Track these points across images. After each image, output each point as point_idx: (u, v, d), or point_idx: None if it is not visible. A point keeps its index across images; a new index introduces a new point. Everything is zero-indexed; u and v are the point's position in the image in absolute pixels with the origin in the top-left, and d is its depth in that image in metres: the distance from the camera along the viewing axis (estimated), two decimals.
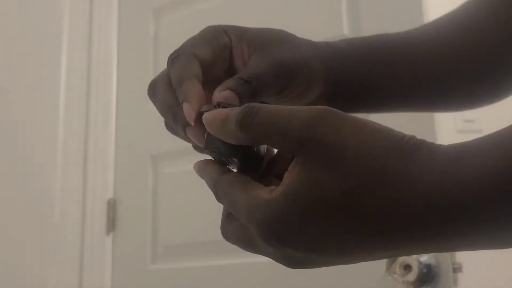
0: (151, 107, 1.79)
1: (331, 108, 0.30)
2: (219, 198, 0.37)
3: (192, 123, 0.37)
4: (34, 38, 1.71)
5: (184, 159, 1.54)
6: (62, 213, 1.62)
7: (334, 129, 0.29)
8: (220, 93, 0.37)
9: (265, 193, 0.31)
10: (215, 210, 1.56)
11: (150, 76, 1.65)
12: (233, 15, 1.53)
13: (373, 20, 1.29)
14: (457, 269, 1.05)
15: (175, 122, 0.39)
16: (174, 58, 0.40)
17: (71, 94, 1.71)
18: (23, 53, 1.68)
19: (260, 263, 1.32)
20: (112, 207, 1.63)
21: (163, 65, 1.68)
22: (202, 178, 0.39)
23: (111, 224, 1.62)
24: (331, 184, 0.29)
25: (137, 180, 1.61)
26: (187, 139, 0.40)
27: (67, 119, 1.68)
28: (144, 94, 1.84)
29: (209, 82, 0.39)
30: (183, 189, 1.51)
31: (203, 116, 0.35)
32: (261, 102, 0.38)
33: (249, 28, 0.42)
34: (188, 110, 0.36)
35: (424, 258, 1.05)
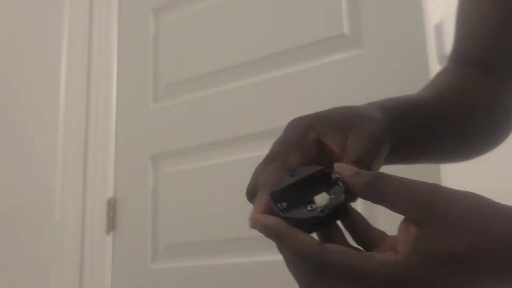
0: (151, 107, 1.80)
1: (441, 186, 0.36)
2: (323, 270, 0.36)
3: (251, 227, 0.40)
4: (34, 40, 1.71)
5: (184, 159, 1.54)
6: (62, 213, 1.62)
7: (452, 198, 0.35)
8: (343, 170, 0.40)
9: (390, 256, 0.35)
10: (215, 209, 1.57)
11: (150, 75, 1.66)
12: (233, 15, 1.53)
13: (373, 20, 1.29)
14: None
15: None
16: (267, 163, 0.43)
17: (71, 94, 1.71)
18: (23, 54, 1.68)
19: (259, 262, 1.32)
20: (112, 206, 1.63)
21: (163, 65, 1.69)
22: (278, 241, 0.38)
23: (111, 224, 1.62)
24: (452, 244, 0.34)
25: (137, 180, 1.61)
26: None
27: (67, 119, 1.69)
28: (144, 94, 1.84)
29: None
30: (183, 189, 1.51)
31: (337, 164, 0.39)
32: None
33: (324, 113, 0.46)
34: (251, 216, 0.40)
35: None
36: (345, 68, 1.30)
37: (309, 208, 0.38)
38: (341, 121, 0.44)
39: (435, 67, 1.22)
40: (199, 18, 1.60)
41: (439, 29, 1.27)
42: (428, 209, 0.35)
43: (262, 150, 1.65)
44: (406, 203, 0.35)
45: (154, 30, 1.69)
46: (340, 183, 0.38)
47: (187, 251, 1.48)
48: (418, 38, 1.22)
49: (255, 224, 0.39)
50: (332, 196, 0.38)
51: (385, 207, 0.37)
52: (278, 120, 1.40)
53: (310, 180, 0.39)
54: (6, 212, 1.55)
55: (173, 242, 1.51)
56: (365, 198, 0.38)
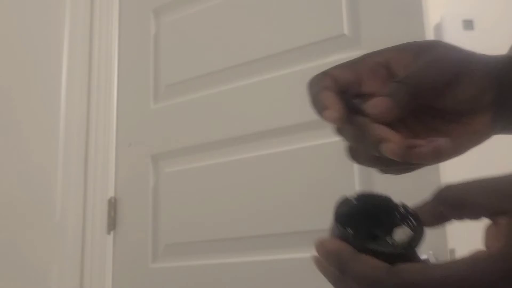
0: (152, 107, 1.80)
1: None
2: None
3: (339, 123, 0.37)
4: (34, 42, 1.71)
5: (184, 159, 1.55)
6: (63, 212, 1.62)
7: None
8: (370, 104, 0.37)
9: (480, 253, 0.31)
10: (215, 208, 1.57)
11: (150, 75, 1.66)
12: (233, 15, 1.53)
13: (373, 20, 1.29)
14: None
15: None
16: (308, 83, 0.41)
17: (72, 94, 1.72)
18: (25, 54, 1.69)
19: (260, 262, 1.32)
20: (113, 206, 1.64)
21: (163, 65, 1.70)
22: (341, 268, 0.33)
23: (112, 223, 1.63)
24: None
25: (138, 179, 1.62)
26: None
27: (68, 118, 1.69)
28: (144, 94, 1.85)
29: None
30: (184, 188, 1.52)
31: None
32: (425, 108, 0.38)
33: (403, 43, 0.42)
34: (331, 114, 0.37)
35: (423, 257, 1.05)
36: None
37: (389, 241, 0.34)
38: (415, 45, 0.41)
39: None
40: (199, 18, 1.60)
41: (438, 29, 1.28)
42: None
43: (262, 150, 1.65)
44: (488, 198, 0.32)
45: (155, 30, 1.70)
46: (412, 219, 0.35)
47: (187, 250, 1.48)
48: (418, 38, 1.22)
49: (319, 249, 0.34)
50: (412, 234, 0.34)
51: (465, 215, 0.33)
52: (278, 120, 1.40)
53: (374, 209, 0.36)
54: (7, 211, 1.55)
55: (174, 241, 1.52)
56: (440, 214, 0.34)
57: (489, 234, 0.32)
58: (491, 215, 0.32)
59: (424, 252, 1.06)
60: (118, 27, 1.78)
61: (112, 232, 1.63)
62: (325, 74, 0.40)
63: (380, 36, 1.28)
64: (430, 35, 1.24)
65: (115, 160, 1.68)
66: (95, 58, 1.76)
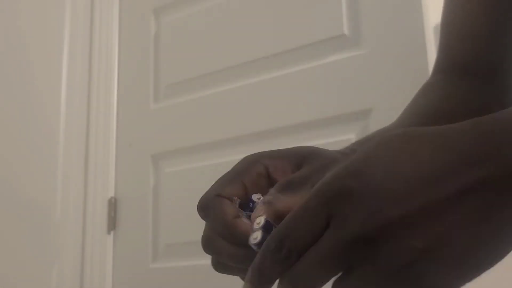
0: (152, 107, 1.81)
1: None
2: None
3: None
4: (35, 41, 1.71)
5: (184, 159, 1.55)
6: (63, 212, 1.62)
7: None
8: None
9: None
10: None
11: (151, 75, 1.66)
12: (233, 15, 1.54)
13: (373, 21, 1.29)
14: None
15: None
16: (203, 209, 0.42)
17: (73, 94, 1.72)
18: (24, 54, 1.69)
19: None
20: (113, 206, 1.64)
21: (163, 65, 1.70)
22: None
23: (112, 223, 1.63)
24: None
25: (138, 179, 1.62)
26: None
27: (69, 118, 1.69)
28: (144, 94, 1.84)
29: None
30: (184, 188, 1.52)
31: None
32: None
33: (280, 149, 0.43)
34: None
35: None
36: (345, 68, 1.31)
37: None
38: (294, 155, 0.42)
39: None
40: (199, 18, 1.60)
41: (438, 29, 1.28)
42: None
43: (262, 150, 1.63)
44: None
45: (155, 30, 1.70)
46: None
47: (188, 250, 1.48)
48: (418, 38, 1.22)
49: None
50: None
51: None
52: (278, 120, 1.40)
53: None
54: (7, 211, 1.55)
55: (174, 241, 1.52)
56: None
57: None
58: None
59: None
60: (118, 27, 1.78)
61: (112, 232, 1.63)
62: (218, 196, 0.41)
63: (380, 36, 1.28)
64: (429, 36, 1.24)
65: (115, 160, 1.68)
66: (95, 58, 1.76)
